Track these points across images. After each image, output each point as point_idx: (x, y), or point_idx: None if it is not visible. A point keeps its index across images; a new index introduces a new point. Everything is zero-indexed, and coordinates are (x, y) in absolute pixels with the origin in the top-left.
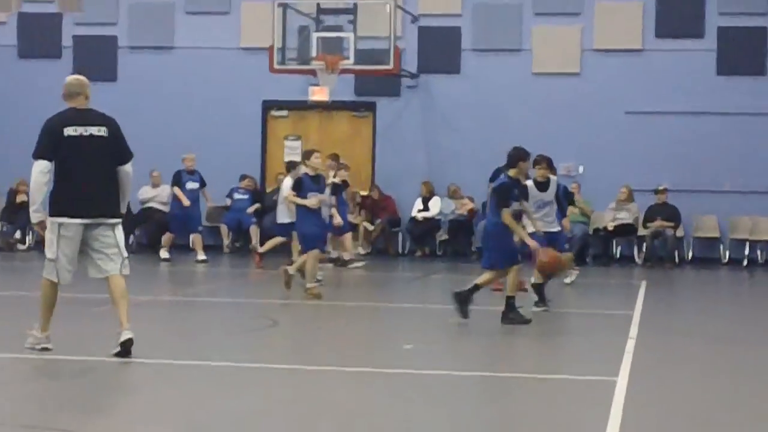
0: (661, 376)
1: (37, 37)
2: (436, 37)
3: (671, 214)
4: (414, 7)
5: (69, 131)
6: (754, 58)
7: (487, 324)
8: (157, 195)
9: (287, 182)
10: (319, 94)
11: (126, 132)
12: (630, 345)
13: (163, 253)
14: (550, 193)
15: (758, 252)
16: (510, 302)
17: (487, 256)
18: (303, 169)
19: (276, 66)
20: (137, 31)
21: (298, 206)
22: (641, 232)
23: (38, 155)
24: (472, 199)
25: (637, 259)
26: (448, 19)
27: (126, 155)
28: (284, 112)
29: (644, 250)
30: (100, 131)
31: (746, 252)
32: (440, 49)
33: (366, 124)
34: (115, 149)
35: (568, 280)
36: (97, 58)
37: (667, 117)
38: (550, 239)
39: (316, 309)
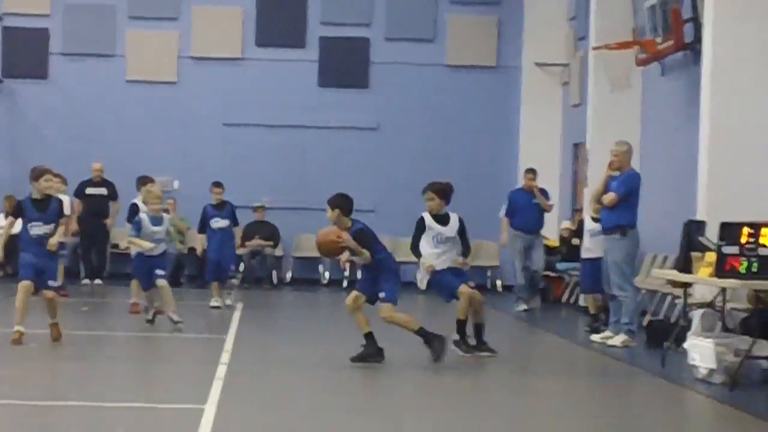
0: (253, 403)
1: None
2: (23, 39)
3: (270, 232)
4: None
5: None
6: (357, 70)
7: (67, 349)
8: None
9: None
10: None
11: None
12: (221, 371)
13: None
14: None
15: (358, 272)
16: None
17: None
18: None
19: None
20: None
21: None
22: (239, 250)
23: None
24: None
25: (233, 280)
26: (36, 19)
27: None
28: None
29: (241, 270)
30: None
31: (347, 273)
32: (26, 52)
33: None
34: None
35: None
36: None
37: (267, 130)
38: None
39: None
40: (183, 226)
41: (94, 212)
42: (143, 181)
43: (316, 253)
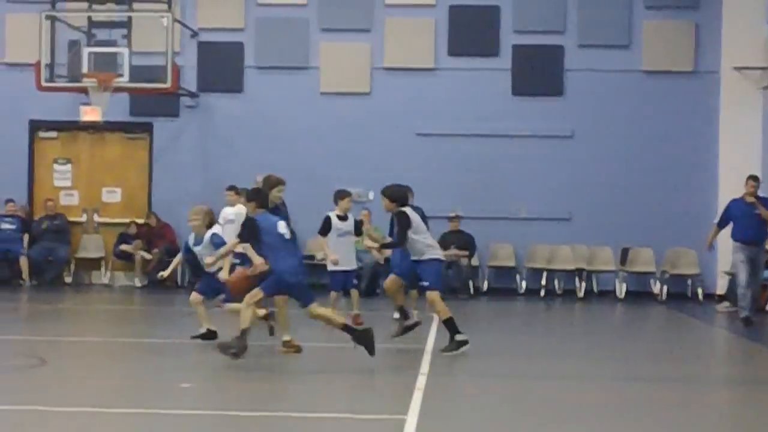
0: (453, 414)
1: None
2: (218, 54)
3: (465, 241)
4: (193, 21)
5: None
6: (550, 78)
7: (269, 360)
8: None
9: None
10: (90, 114)
11: None
12: (421, 381)
13: None
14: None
15: (556, 281)
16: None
17: None
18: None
19: (44, 83)
20: None
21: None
22: None
23: None
24: None
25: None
26: (230, 34)
27: None
28: (53, 134)
29: None
30: None
31: (543, 282)
32: (222, 67)
33: (142, 146)
34: None
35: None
36: None
37: (461, 139)
38: None
39: (88, 347)
40: (378, 237)
41: None
42: (340, 195)
43: (512, 263)
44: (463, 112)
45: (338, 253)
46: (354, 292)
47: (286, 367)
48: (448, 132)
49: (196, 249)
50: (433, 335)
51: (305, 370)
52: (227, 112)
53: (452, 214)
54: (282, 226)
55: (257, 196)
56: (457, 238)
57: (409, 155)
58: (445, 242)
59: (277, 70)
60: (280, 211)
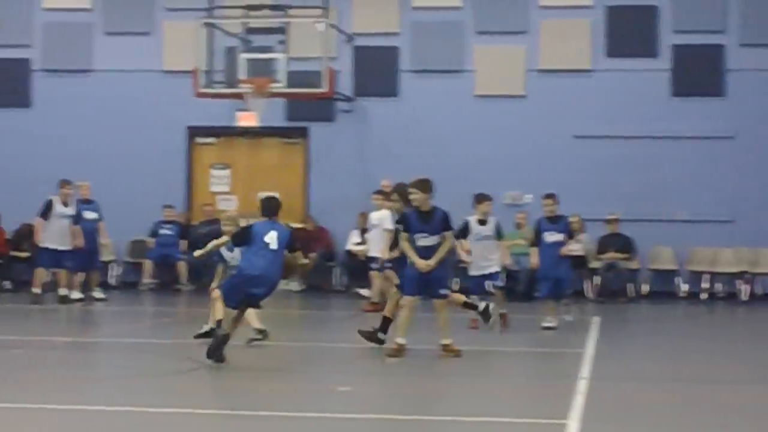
0: (616, 419)
1: None
2: (373, 58)
3: (625, 244)
4: (349, 26)
5: None
6: (710, 78)
7: (425, 363)
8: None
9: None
10: (247, 119)
11: (41, 161)
12: (582, 386)
13: (76, 293)
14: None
15: (718, 285)
16: None
17: None
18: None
19: (201, 90)
20: (52, 54)
21: None
22: (593, 264)
23: None
24: None
25: (589, 294)
26: (386, 38)
27: None
28: (211, 139)
29: (596, 283)
30: None
31: (705, 285)
32: (377, 71)
33: (298, 151)
34: None
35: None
36: (9, 82)
37: (619, 141)
38: None
39: (243, 351)
40: (531, 238)
41: None
42: (479, 199)
43: (673, 265)
44: (621, 113)
45: (476, 257)
46: (498, 293)
47: (444, 371)
48: (605, 134)
49: (227, 255)
50: (592, 339)
51: (464, 374)
52: (382, 116)
53: (611, 217)
54: (270, 236)
55: (265, 206)
56: (616, 241)
57: (566, 158)
58: (603, 245)
59: (432, 73)
60: (436, 212)
